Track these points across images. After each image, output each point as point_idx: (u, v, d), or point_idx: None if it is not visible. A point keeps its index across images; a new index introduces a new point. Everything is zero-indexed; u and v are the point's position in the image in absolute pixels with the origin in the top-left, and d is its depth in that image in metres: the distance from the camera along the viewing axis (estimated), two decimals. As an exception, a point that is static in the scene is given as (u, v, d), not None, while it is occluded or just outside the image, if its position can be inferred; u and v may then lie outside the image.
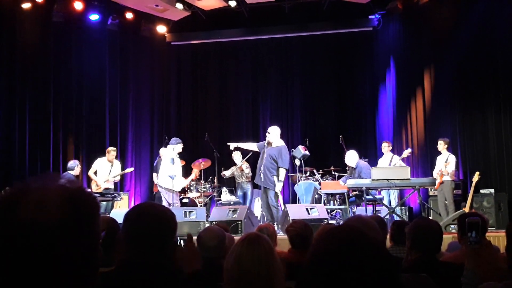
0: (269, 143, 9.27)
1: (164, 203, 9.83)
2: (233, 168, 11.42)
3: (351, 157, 9.93)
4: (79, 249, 1.01)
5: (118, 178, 10.91)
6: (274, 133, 9.33)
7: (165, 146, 11.32)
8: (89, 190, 9.91)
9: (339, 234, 1.18)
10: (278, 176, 9.05)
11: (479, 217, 2.66)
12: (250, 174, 11.07)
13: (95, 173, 10.49)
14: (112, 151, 10.60)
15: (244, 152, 10.69)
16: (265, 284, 2.13)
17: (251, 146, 9.92)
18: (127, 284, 1.87)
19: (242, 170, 11.18)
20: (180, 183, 10.12)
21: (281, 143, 9.36)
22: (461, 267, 2.71)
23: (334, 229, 1.21)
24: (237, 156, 11.20)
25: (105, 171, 10.49)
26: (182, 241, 2.57)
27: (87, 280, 1.04)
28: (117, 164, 10.73)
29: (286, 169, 9.22)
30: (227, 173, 11.55)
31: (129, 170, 11.45)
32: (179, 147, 10.03)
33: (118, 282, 1.88)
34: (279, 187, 9.06)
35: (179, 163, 10.10)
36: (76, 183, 1.08)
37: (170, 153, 9.99)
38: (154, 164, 11.58)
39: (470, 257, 2.62)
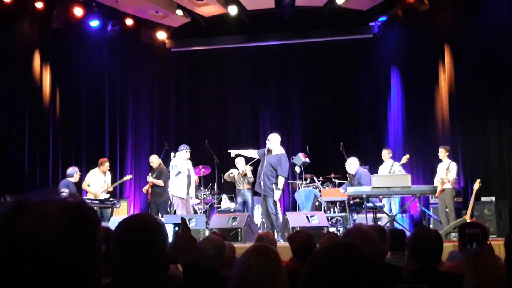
0: (269, 151, 9.26)
1: (178, 212, 9.78)
2: (235, 173, 11.32)
3: (352, 164, 9.92)
4: (80, 262, 1.04)
5: (112, 188, 10.87)
6: (274, 141, 9.31)
7: (159, 155, 11.27)
8: (88, 198, 9.88)
9: (335, 251, 1.22)
10: (277, 184, 9.03)
11: (479, 229, 2.64)
12: (252, 179, 10.96)
13: (89, 185, 10.45)
14: (105, 163, 10.58)
15: (247, 158, 10.66)
16: None
17: (252, 153, 9.92)
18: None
19: (245, 175, 11.08)
20: (181, 189, 9.99)
21: (281, 151, 9.35)
22: (461, 277, 2.68)
23: (331, 246, 1.22)
24: (240, 162, 11.13)
25: (100, 182, 10.45)
26: (176, 228, 2.52)
27: None
28: (109, 175, 10.71)
29: (285, 177, 9.20)
30: (231, 173, 11.41)
31: (128, 177, 11.44)
32: (182, 154, 9.95)
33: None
34: (277, 195, 9.04)
35: (183, 170, 10.01)
36: (76, 197, 1.10)
37: (173, 161, 10.02)
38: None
39: (469, 268, 2.60)
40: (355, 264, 1.17)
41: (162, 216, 10.26)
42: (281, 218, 9.16)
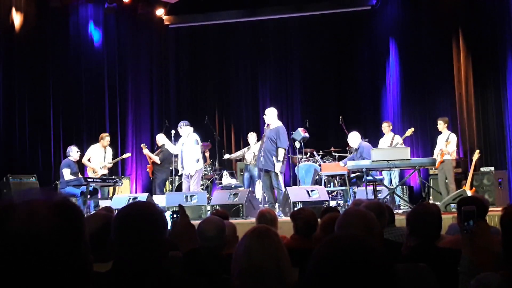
0: (267, 125, 9.28)
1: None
2: (244, 150, 11.35)
3: (354, 138, 9.92)
4: (68, 255, 1.08)
5: (111, 164, 10.87)
6: (271, 115, 9.30)
7: (164, 132, 11.29)
8: (90, 177, 9.92)
9: (337, 247, 1.26)
10: (277, 156, 9.03)
11: (475, 206, 2.66)
12: None
13: (89, 160, 10.47)
14: (106, 137, 10.55)
15: (259, 134, 10.69)
16: (274, 277, 2.14)
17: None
18: (122, 286, 1.88)
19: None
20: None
21: (279, 123, 9.34)
22: (459, 254, 2.71)
23: (334, 240, 1.26)
24: (252, 137, 11.14)
25: (99, 157, 10.46)
26: (175, 215, 2.54)
27: (78, 284, 1.09)
28: (110, 150, 10.71)
29: (284, 149, 9.19)
30: (232, 156, 11.51)
31: (126, 155, 11.48)
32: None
33: (113, 284, 1.89)
34: (278, 167, 9.02)
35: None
36: (59, 194, 1.15)
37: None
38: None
39: (465, 246, 2.63)
40: (359, 258, 1.21)
41: (155, 194, 10.41)
42: (283, 189, 9.16)
